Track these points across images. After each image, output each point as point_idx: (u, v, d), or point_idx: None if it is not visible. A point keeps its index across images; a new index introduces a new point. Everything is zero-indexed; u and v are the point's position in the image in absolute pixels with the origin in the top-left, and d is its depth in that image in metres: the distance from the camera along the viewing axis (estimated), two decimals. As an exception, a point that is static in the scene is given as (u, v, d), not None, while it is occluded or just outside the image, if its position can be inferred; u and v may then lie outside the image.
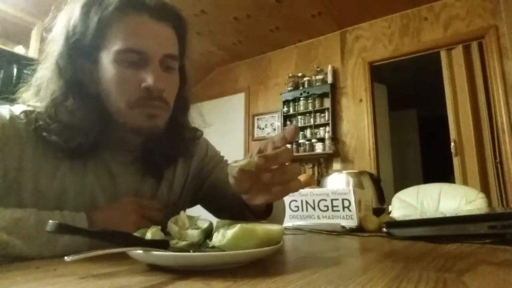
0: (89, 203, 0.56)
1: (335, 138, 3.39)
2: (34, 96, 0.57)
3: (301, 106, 3.63)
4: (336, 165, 3.38)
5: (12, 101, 0.59)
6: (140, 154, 0.64)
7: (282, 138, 0.44)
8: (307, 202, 0.92)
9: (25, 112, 0.54)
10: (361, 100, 3.34)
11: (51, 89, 0.54)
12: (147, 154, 0.63)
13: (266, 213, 0.60)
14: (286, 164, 0.43)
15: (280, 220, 0.70)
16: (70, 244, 0.47)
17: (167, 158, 0.66)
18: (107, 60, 0.53)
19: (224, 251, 0.33)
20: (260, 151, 0.45)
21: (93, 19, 0.52)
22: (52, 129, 0.52)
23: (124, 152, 0.62)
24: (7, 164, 0.51)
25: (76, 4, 0.54)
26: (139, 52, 0.53)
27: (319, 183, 1.62)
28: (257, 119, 4.10)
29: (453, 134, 2.82)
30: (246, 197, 0.48)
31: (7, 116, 0.53)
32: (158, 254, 0.32)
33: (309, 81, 3.62)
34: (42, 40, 2.98)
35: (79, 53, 0.54)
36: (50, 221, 0.30)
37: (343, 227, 0.84)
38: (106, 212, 0.54)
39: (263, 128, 4.03)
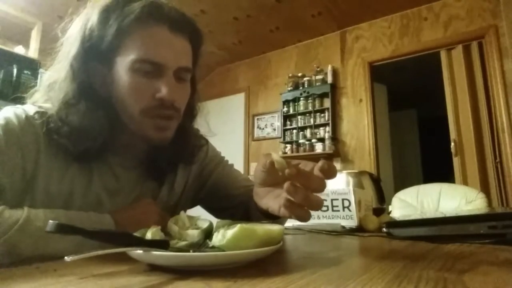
0: (95, 205, 0.56)
1: (335, 138, 3.40)
2: (44, 95, 0.58)
3: (301, 106, 3.63)
4: (336, 165, 3.38)
5: (13, 101, 0.59)
6: (144, 159, 0.65)
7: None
8: (307, 202, 0.91)
9: (38, 112, 0.55)
10: (361, 100, 3.34)
11: (64, 90, 0.54)
12: (151, 159, 0.65)
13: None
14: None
15: (284, 221, 0.70)
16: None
17: (171, 163, 0.67)
18: (122, 67, 0.53)
19: (224, 251, 0.33)
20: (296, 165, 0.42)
21: (113, 26, 0.52)
22: (62, 131, 0.53)
23: (129, 156, 0.63)
24: (26, 165, 0.51)
25: (95, 9, 0.54)
26: (156, 63, 0.53)
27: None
28: (257, 119, 4.10)
29: (453, 134, 2.82)
30: (282, 211, 0.43)
31: (23, 116, 0.53)
32: (158, 254, 0.32)
33: (309, 81, 3.61)
34: (43, 40, 2.98)
35: (94, 57, 0.54)
36: (50, 221, 0.30)
37: (343, 227, 0.83)
38: (129, 212, 0.55)
39: (263, 128, 4.03)
